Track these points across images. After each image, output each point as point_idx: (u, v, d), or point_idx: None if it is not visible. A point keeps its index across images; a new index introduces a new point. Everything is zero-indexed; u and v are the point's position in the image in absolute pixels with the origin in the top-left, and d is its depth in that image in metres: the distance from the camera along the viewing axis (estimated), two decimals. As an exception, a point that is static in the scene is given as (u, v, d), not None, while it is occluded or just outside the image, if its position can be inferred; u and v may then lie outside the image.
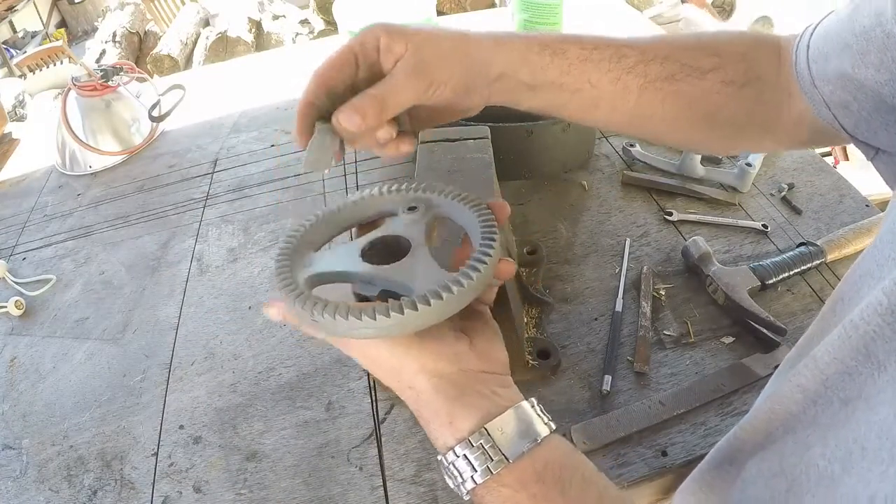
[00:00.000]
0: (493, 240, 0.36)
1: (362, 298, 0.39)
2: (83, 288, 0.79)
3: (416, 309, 0.32)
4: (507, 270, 0.37)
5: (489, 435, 0.33)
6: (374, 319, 0.32)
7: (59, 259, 0.84)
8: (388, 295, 0.35)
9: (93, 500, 0.55)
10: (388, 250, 0.39)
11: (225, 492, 0.54)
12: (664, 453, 0.52)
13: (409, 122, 0.42)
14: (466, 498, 0.34)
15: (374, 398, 0.60)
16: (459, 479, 0.34)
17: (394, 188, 0.44)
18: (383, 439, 0.56)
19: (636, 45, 0.42)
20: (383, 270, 0.36)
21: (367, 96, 0.38)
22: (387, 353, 0.35)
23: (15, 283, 0.80)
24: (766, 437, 0.36)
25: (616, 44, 0.42)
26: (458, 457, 0.33)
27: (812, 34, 0.41)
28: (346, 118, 0.37)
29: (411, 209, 0.41)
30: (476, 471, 0.33)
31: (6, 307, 0.75)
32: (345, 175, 0.91)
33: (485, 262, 0.34)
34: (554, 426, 0.35)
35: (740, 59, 0.42)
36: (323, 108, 0.40)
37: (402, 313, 0.32)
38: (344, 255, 0.39)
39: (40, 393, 0.66)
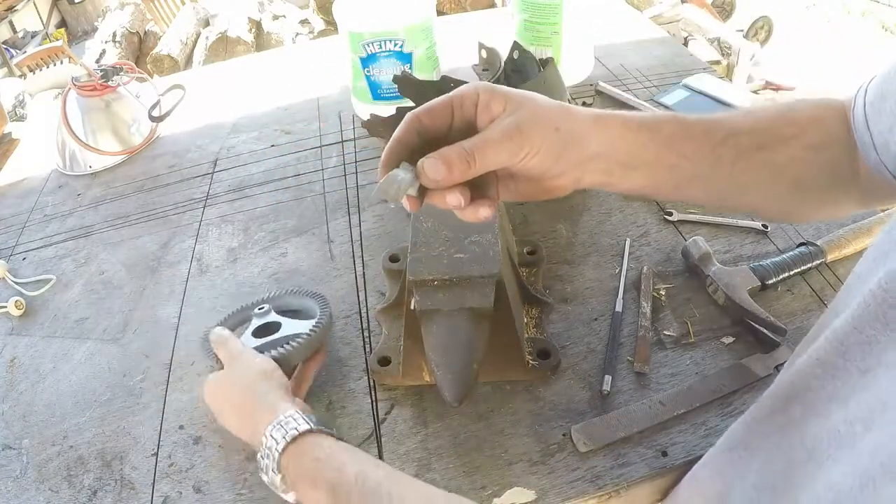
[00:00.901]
0: (313, 331, 0.60)
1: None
2: (83, 288, 0.79)
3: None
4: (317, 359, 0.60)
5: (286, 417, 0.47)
6: None
7: (59, 259, 0.84)
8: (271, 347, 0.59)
9: (93, 500, 0.55)
10: (266, 328, 0.64)
11: (225, 492, 0.54)
12: (664, 453, 0.52)
13: (497, 189, 0.42)
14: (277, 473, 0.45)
15: (374, 398, 0.60)
16: (274, 444, 0.46)
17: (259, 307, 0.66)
18: (383, 439, 0.56)
19: (723, 120, 0.43)
20: (261, 343, 0.61)
21: (457, 148, 0.38)
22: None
23: (15, 283, 0.80)
24: (784, 414, 0.36)
25: (705, 120, 0.43)
26: (274, 427, 0.46)
27: (865, 95, 0.42)
28: (431, 166, 0.37)
29: (260, 309, 0.65)
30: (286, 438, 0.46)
31: (6, 307, 0.75)
32: (345, 175, 0.91)
33: (304, 337, 0.59)
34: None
35: (817, 124, 0.43)
36: (414, 150, 0.40)
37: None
38: (247, 335, 0.63)
39: (40, 393, 0.66)
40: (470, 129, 0.40)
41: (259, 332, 0.63)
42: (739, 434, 0.41)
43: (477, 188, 0.40)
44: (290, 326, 0.63)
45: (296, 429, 0.46)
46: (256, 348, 0.61)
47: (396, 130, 0.40)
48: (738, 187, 0.44)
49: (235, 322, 0.67)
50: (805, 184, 0.44)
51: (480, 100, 0.39)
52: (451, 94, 0.40)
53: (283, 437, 0.45)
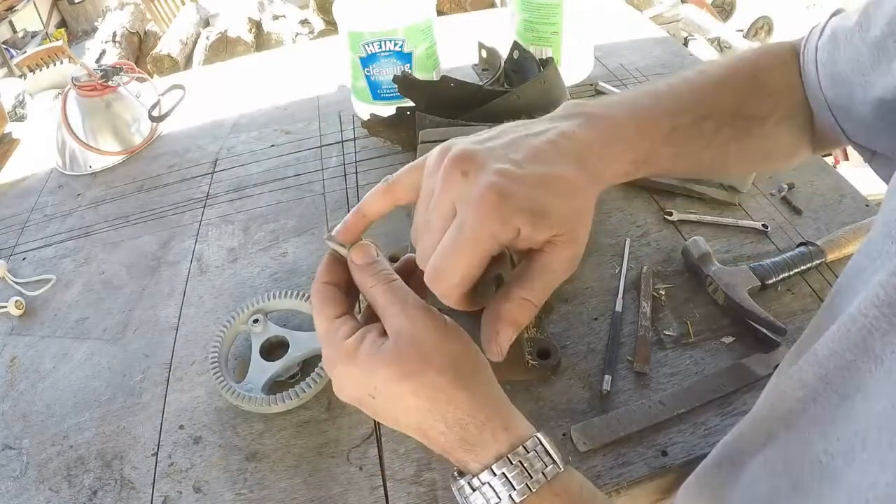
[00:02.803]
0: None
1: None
2: (83, 288, 0.79)
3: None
4: None
5: (541, 443, 0.33)
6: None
7: (59, 259, 0.84)
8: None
9: (93, 500, 0.55)
10: (273, 344, 0.64)
11: (225, 492, 0.54)
12: (664, 453, 0.52)
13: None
14: None
15: (374, 398, 0.60)
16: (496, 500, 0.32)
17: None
18: (383, 439, 0.56)
19: (704, 101, 0.42)
20: (280, 370, 0.62)
21: (520, 307, 0.35)
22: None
23: (15, 283, 0.80)
24: (767, 435, 0.35)
25: (690, 108, 0.41)
26: (494, 475, 0.32)
27: (819, 37, 0.41)
28: (503, 336, 0.35)
29: (255, 322, 0.65)
30: (515, 489, 0.32)
31: (6, 307, 0.75)
32: (345, 175, 0.91)
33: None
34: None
35: (789, 91, 0.44)
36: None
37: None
38: (255, 357, 0.63)
39: (40, 393, 0.66)
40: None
41: (266, 352, 0.63)
42: (727, 448, 0.41)
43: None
44: (297, 341, 0.63)
45: (543, 473, 0.32)
46: (280, 382, 0.62)
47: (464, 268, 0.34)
48: (706, 166, 0.44)
49: (230, 339, 0.65)
50: (774, 154, 0.45)
51: (522, 233, 0.33)
52: (484, 249, 0.33)
53: (527, 485, 0.32)
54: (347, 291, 0.38)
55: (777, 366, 0.57)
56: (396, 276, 0.36)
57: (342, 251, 0.37)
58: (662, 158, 0.40)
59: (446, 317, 0.36)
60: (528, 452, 0.33)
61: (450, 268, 0.33)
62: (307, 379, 0.58)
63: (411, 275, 0.40)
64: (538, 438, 0.33)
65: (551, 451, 0.33)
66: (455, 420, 0.33)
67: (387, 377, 0.33)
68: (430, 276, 0.34)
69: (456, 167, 0.34)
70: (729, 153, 0.43)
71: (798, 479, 0.30)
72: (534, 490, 0.32)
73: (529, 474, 0.32)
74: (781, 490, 0.32)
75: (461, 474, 0.34)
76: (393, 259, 0.76)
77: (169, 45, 3.12)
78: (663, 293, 0.66)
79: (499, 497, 0.32)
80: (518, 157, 0.34)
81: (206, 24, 3.47)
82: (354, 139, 0.98)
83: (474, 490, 0.33)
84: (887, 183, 0.35)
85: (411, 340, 0.33)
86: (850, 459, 0.26)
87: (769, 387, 0.40)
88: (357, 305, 0.40)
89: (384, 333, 0.35)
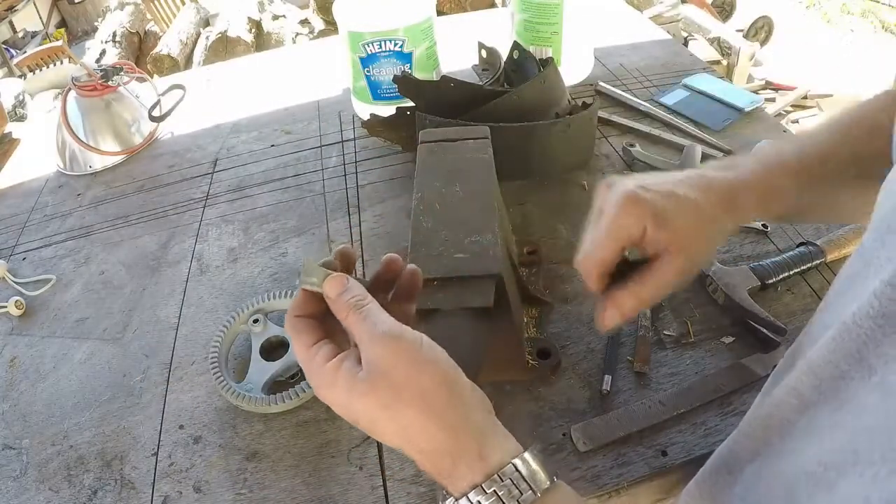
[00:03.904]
0: None
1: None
2: (83, 288, 0.79)
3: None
4: None
5: (517, 470, 0.33)
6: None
7: (59, 259, 0.84)
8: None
9: (93, 500, 0.55)
10: (273, 344, 0.65)
11: (225, 492, 0.54)
12: (664, 453, 0.52)
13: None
14: None
15: (374, 398, 0.60)
16: None
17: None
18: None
19: (830, 156, 0.45)
20: (280, 369, 0.62)
21: (631, 299, 0.43)
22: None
23: (15, 283, 0.80)
24: (763, 443, 0.35)
25: (816, 162, 0.45)
26: (485, 493, 0.32)
27: None
28: (610, 317, 0.43)
29: (255, 322, 0.65)
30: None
31: (6, 307, 0.75)
32: (345, 175, 0.91)
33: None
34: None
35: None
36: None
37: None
38: (255, 357, 0.63)
39: (40, 393, 0.66)
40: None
41: (266, 352, 0.63)
42: (724, 455, 0.41)
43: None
44: None
45: (518, 501, 0.33)
46: (279, 382, 0.62)
47: (595, 250, 0.44)
48: (834, 207, 0.48)
49: (230, 339, 0.65)
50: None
51: (648, 234, 0.42)
52: (616, 225, 0.43)
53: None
54: (324, 320, 0.38)
55: (777, 366, 0.57)
56: (368, 300, 0.36)
57: (316, 289, 0.37)
58: (789, 197, 0.44)
59: (423, 337, 0.35)
60: (504, 480, 0.33)
61: (591, 252, 0.43)
62: (307, 379, 0.58)
63: (396, 277, 0.41)
64: (514, 466, 0.33)
65: (527, 478, 0.33)
66: (429, 451, 0.34)
67: (364, 407, 0.34)
68: (579, 259, 0.45)
69: (603, 184, 0.46)
70: (856, 192, 0.44)
71: (792, 488, 0.30)
72: None
73: (505, 502, 0.32)
74: (776, 498, 0.32)
75: (448, 493, 0.35)
76: None
77: (169, 45, 3.12)
78: (663, 293, 0.66)
79: None
80: (652, 181, 0.44)
81: (206, 24, 3.47)
82: (354, 139, 0.98)
83: None
84: None
85: (383, 372, 0.33)
86: (844, 472, 0.26)
87: (764, 391, 0.40)
88: None
89: (360, 362, 0.35)
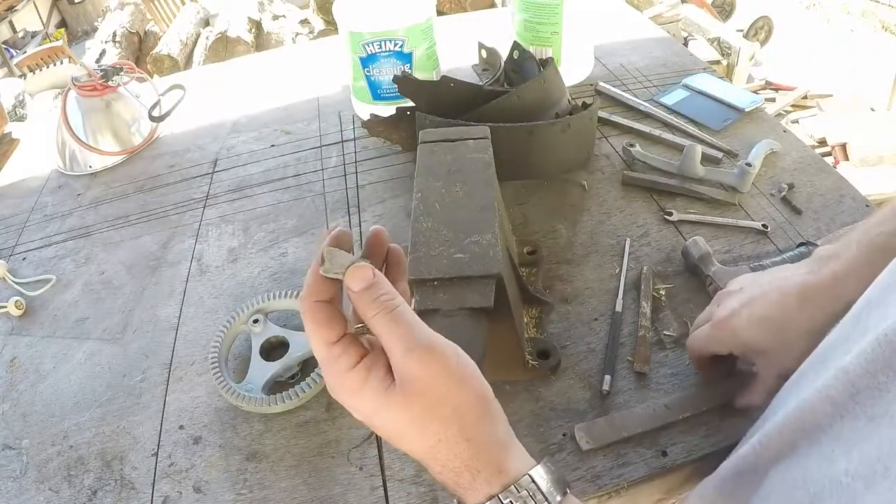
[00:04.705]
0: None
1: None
2: (83, 288, 0.79)
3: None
4: None
5: (534, 482, 0.33)
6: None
7: (59, 259, 0.84)
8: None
9: (93, 500, 0.55)
10: (273, 344, 0.65)
11: (225, 492, 0.54)
12: (664, 453, 0.52)
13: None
14: None
15: (374, 398, 0.60)
16: None
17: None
18: (383, 440, 0.56)
19: None
20: (272, 365, 0.62)
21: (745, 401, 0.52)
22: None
23: (15, 283, 0.80)
24: (791, 446, 0.35)
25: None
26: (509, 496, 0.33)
27: None
28: (737, 401, 0.53)
29: (255, 322, 0.65)
30: None
31: (6, 307, 0.75)
32: (345, 175, 0.91)
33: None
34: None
35: None
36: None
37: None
38: (255, 357, 0.63)
39: (40, 393, 0.66)
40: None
41: (266, 352, 0.63)
42: (749, 458, 0.41)
43: None
44: (297, 341, 0.63)
45: (547, 502, 0.33)
46: (279, 382, 0.62)
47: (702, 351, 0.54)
48: None
49: (230, 339, 0.65)
50: None
51: (738, 354, 0.51)
52: (705, 351, 0.54)
53: None
54: (339, 305, 0.37)
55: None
56: (399, 300, 0.34)
57: (339, 277, 0.35)
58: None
59: (456, 348, 0.34)
60: (520, 492, 0.33)
61: (693, 351, 0.55)
62: (307, 379, 0.58)
63: (384, 250, 0.41)
64: (531, 477, 0.33)
65: (543, 489, 0.33)
66: (452, 467, 0.34)
67: (394, 420, 0.33)
68: (688, 344, 0.56)
69: (715, 297, 0.56)
70: None
71: (817, 495, 0.30)
72: None
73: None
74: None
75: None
76: None
77: (169, 45, 3.12)
78: (663, 293, 0.66)
79: None
80: (757, 293, 0.50)
81: (206, 24, 3.47)
82: (354, 139, 0.98)
83: None
84: None
85: (419, 391, 0.33)
86: (871, 484, 0.26)
87: (788, 393, 0.40)
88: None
89: (390, 371, 0.34)
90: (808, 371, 0.39)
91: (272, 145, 1.00)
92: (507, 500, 0.33)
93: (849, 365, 0.31)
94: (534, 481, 0.34)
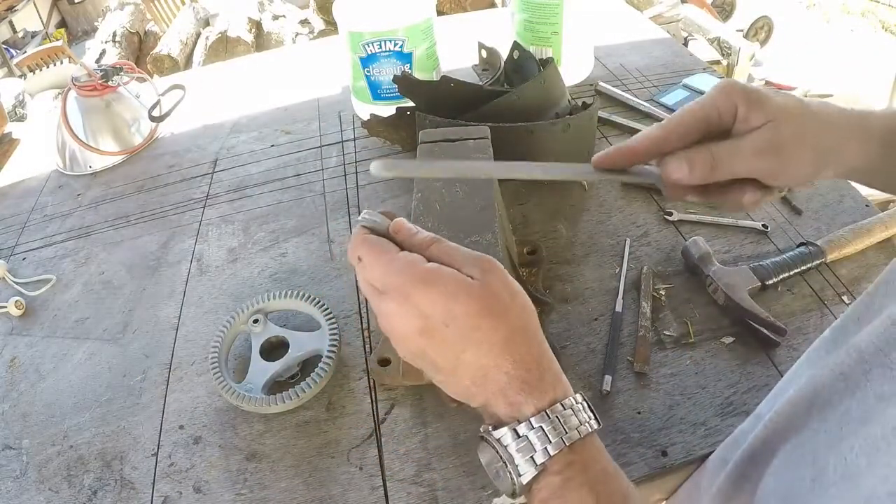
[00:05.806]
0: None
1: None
2: (83, 288, 0.79)
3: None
4: None
5: (576, 403, 0.34)
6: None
7: (59, 259, 0.84)
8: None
9: (93, 500, 0.55)
10: (273, 344, 0.65)
11: (225, 492, 0.54)
12: (664, 453, 0.52)
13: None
14: (523, 479, 0.33)
15: (374, 398, 0.60)
16: (531, 451, 0.32)
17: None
18: (383, 439, 0.56)
19: None
20: (272, 365, 0.62)
21: (703, 152, 0.38)
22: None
23: (15, 283, 0.80)
24: (802, 422, 0.36)
25: None
26: (548, 418, 0.33)
27: None
28: (674, 166, 0.39)
29: (255, 322, 0.65)
30: (550, 442, 0.32)
31: (6, 307, 0.75)
32: (345, 175, 0.91)
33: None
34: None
35: None
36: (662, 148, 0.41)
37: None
38: (255, 357, 0.63)
39: (40, 393, 0.66)
40: (725, 135, 0.39)
41: (266, 352, 0.63)
42: (760, 435, 0.40)
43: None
44: (297, 341, 0.63)
45: (578, 430, 0.33)
46: (279, 382, 0.62)
47: (653, 128, 0.40)
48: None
49: (230, 339, 0.65)
50: None
51: (739, 113, 0.38)
52: (707, 102, 0.39)
53: (561, 439, 0.32)
54: None
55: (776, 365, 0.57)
56: (438, 237, 0.38)
57: (377, 225, 0.37)
58: (874, 154, 0.40)
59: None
60: (577, 403, 0.34)
61: (658, 125, 0.41)
62: (307, 379, 0.58)
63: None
64: (575, 399, 0.35)
65: (585, 411, 0.35)
66: (524, 361, 0.34)
67: (469, 309, 0.33)
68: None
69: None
70: None
71: (821, 472, 0.30)
72: (582, 435, 0.33)
73: (578, 421, 0.33)
74: (804, 481, 0.32)
75: (496, 427, 0.34)
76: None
77: (169, 45, 3.12)
78: (663, 293, 0.66)
79: (549, 439, 0.33)
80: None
81: (206, 24, 3.46)
82: (354, 139, 0.98)
83: (520, 436, 0.33)
84: None
85: (500, 284, 0.34)
86: (874, 461, 0.26)
87: (800, 371, 0.39)
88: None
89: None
90: (821, 349, 0.39)
91: (272, 145, 1.00)
92: (569, 406, 0.34)
93: (861, 342, 0.31)
94: (585, 399, 0.35)
